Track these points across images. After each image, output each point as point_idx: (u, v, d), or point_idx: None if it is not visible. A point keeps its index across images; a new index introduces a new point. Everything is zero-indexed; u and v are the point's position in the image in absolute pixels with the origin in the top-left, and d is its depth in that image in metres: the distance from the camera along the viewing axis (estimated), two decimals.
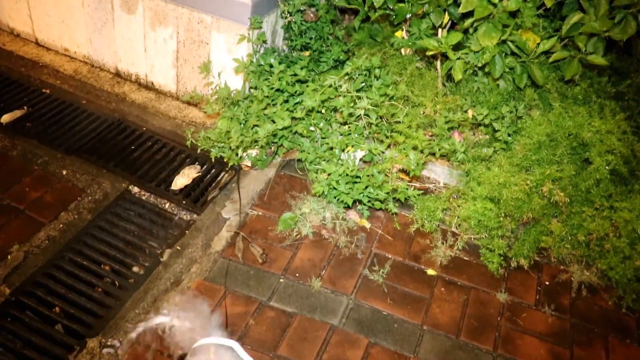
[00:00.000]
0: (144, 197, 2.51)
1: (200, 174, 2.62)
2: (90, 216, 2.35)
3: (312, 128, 2.58)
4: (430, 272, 2.30)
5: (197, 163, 2.68)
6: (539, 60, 2.48)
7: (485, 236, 2.37)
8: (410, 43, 2.70)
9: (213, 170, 2.67)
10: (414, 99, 2.57)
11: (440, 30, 2.62)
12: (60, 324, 1.98)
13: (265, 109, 2.56)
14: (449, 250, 2.37)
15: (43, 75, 3.06)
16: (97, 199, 2.42)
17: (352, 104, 2.47)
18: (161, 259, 2.25)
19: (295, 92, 2.58)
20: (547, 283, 2.32)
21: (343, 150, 2.51)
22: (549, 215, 2.36)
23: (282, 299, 2.12)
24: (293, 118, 2.52)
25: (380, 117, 2.53)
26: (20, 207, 2.33)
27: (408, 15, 2.63)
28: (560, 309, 2.22)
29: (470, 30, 2.46)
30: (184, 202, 2.48)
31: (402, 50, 2.82)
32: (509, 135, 2.45)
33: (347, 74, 2.50)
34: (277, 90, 2.55)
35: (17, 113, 2.78)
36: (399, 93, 2.54)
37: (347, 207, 2.47)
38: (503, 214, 2.32)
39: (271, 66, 2.59)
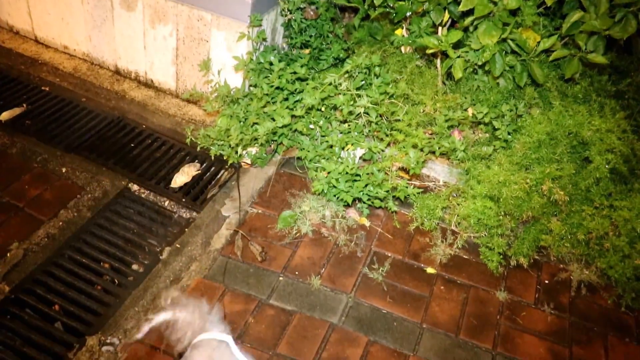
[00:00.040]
0: (143, 195, 2.51)
1: (199, 171, 2.62)
2: (90, 214, 2.35)
3: (311, 126, 2.58)
4: (430, 270, 2.30)
5: (196, 161, 2.68)
6: (539, 58, 2.47)
7: (485, 235, 2.37)
8: (410, 41, 2.70)
9: (213, 168, 2.66)
10: (414, 97, 2.56)
11: (440, 28, 2.61)
12: (59, 322, 1.98)
13: (265, 106, 2.56)
14: (448, 249, 2.37)
15: (42, 73, 3.05)
16: (97, 197, 2.42)
17: (352, 102, 2.46)
18: (161, 257, 2.25)
19: (295, 90, 2.57)
20: (546, 282, 2.32)
21: (343, 149, 2.51)
22: (549, 214, 2.36)
23: (281, 297, 2.12)
24: (293, 116, 2.52)
25: (380, 116, 2.53)
26: (20, 204, 2.33)
27: (408, 13, 2.63)
28: (559, 308, 2.23)
29: (471, 29, 2.46)
30: (183, 200, 2.48)
31: (402, 49, 2.82)
32: (508, 133, 2.45)
33: (347, 72, 2.50)
34: (277, 88, 2.55)
35: (16, 110, 2.78)
36: (399, 91, 2.54)
37: (347, 206, 2.47)
38: (503, 213, 2.32)
39: (271, 64, 2.58)
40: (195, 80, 2.89)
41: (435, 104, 2.52)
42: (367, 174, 2.39)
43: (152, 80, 3.04)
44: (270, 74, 2.56)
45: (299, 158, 2.64)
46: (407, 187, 2.38)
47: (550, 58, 2.45)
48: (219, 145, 2.55)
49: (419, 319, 2.12)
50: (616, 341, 2.14)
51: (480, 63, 2.41)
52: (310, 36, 2.80)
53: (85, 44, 3.10)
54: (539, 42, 2.42)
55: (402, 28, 2.79)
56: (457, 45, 2.43)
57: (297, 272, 2.22)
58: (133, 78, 3.09)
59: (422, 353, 2.00)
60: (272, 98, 2.57)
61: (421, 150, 2.41)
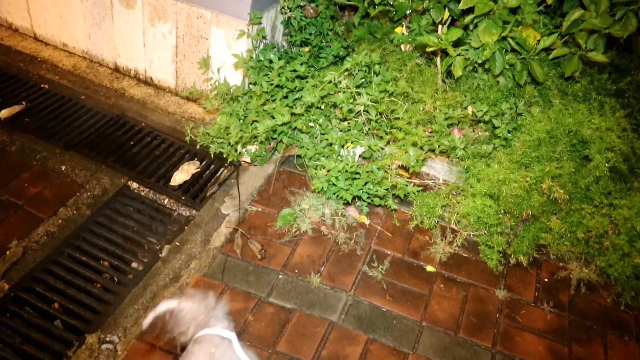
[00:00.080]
0: (142, 193, 2.50)
1: (199, 169, 2.62)
2: (89, 212, 2.35)
3: (311, 124, 2.58)
4: (430, 268, 2.30)
5: (196, 159, 2.68)
6: (539, 57, 2.47)
7: (485, 233, 2.37)
8: (410, 39, 2.70)
9: (212, 166, 2.66)
10: (413, 95, 2.56)
11: (440, 26, 2.61)
12: (59, 320, 1.98)
13: (264, 104, 2.55)
14: (448, 247, 2.37)
15: (42, 71, 3.05)
16: (96, 195, 2.42)
17: (351, 100, 2.46)
18: (160, 255, 2.25)
19: (295, 88, 2.57)
20: (546, 280, 2.32)
21: (342, 147, 2.50)
22: (549, 213, 2.36)
23: (281, 295, 2.12)
24: (292, 114, 2.52)
25: (380, 114, 2.53)
26: (19, 202, 2.33)
27: (408, 12, 2.63)
28: (559, 306, 2.23)
29: (471, 27, 2.46)
30: (183, 197, 2.48)
31: (402, 47, 2.82)
32: (508, 132, 2.45)
33: (346, 70, 2.49)
34: (277, 86, 2.55)
35: (15, 108, 2.78)
36: (399, 89, 2.54)
37: (347, 204, 2.46)
38: (502, 211, 2.32)
39: (271, 62, 2.58)
40: (194, 78, 2.88)
41: (435, 102, 2.52)
42: (367, 172, 2.39)
43: (151, 78, 3.03)
44: (270, 71, 2.56)
45: (298, 156, 2.64)
46: (406, 185, 2.38)
47: (551, 56, 2.45)
48: (218, 143, 2.55)
49: (418, 317, 2.12)
50: (615, 340, 2.14)
51: (480, 61, 2.41)
52: (310, 34, 2.79)
53: (85, 41, 3.10)
54: (539, 41, 2.42)
55: (402, 26, 2.79)
56: (457, 44, 2.43)
57: (296, 270, 2.22)
58: (132, 76, 3.08)
59: (421, 351, 2.01)
60: (271, 96, 2.56)
61: (421, 148, 2.41)
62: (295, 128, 2.59)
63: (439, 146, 2.42)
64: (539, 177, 2.27)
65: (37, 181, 2.43)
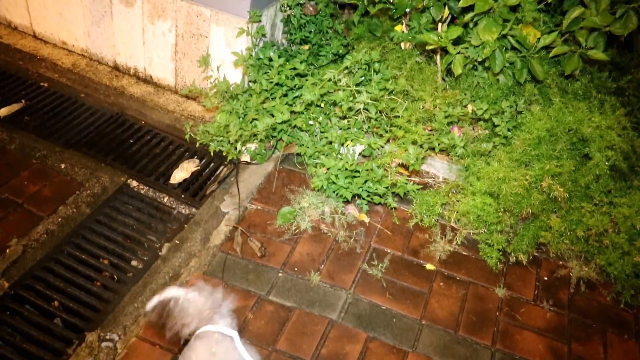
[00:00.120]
0: (142, 191, 2.50)
1: (199, 167, 2.62)
2: (89, 210, 2.34)
3: (311, 122, 2.58)
4: (429, 266, 2.30)
5: (195, 157, 2.68)
6: (539, 55, 2.47)
7: (484, 231, 2.37)
8: (409, 37, 2.69)
9: (212, 164, 2.66)
10: (413, 93, 2.56)
11: (440, 24, 2.61)
12: (59, 318, 1.98)
13: (264, 102, 2.55)
14: (447, 245, 2.37)
15: (41, 69, 3.04)
16: (96, 193, 2.42)
17: (351, 98, 2.46)
18: (160, 253, 2.25)
19: (295, 86, 2.57)
20: (545, 278, 2.32)
21: (342, 145, 2.50)
22: (548, 211, 2.36)
23: (281, 293, 2.12)
24: (292, 112, 2.52)
25: (380, 112, 2.52)
26: (19, 200, 2.33)
27: (408, 10, 2.62)
28: (558, 305, 2.23)
29: (471, 25, 2.45)
30: (182, 196, 2.48)
31: (402, 45, 2.81)
32: (508, 130, 2.45)
33: (346, 68, 2.49)
34: (276, 84, 2.55)
35: (15, 106, 2.77)
36: (399, 87, 2.53)
37: (346, 202, 2.46)
38: (502, 209, 2.32)
39: (270, 60, 2.58)
40: (194, 76, 2.88)
41: (434, 100, 2.52)
42: (367, 170, 2.39)
43: (151, 76, 3.03)
44: (270, 69, 2.56)
45: (298, 154, 2.64)
46: (406, 184, 2.38)
47: (551, 54, 2.44)
48: (218, 141, 2.55)
49: (418, 315, 2.12)
50: (615, 338, 2.14)
51: (480, 59, 2.40)
52: (310, 32, 2.79)
53: (84, 39, 3.09)
54: (539, 39, 2.42)
55: (402, 24, 2.78)
56: (457, 42, 2.43)
57: (296, 268, 2.22)
58: (132, 74, 3.08)
59: (421, 349, 2.01)
60: (271, 94, 2.56)
61: (421, 146, 2.41)
62: (295, 126, 2.59)
63: (438, 144, 2.42)
64: (539, 176, 2.27)
65: (37, 179, 2.42)
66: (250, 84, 2.67)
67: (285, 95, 2.57)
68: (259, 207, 2.45)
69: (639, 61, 2.72)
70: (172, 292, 1.44)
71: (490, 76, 2.58)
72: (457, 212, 2.41)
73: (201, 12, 2.65)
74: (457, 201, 2.41)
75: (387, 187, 2.37)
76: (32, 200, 2.34)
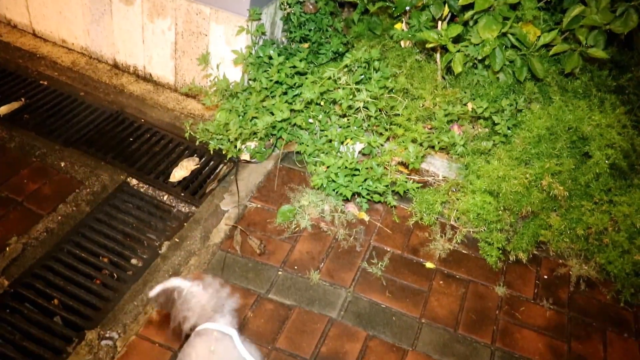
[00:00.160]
0: (142, 190, 2.50)
1: (198, 166, 2.62)
2: (89, 208, 2.34)
3: (311, 120, 2.58)
4: (429, 265, 2.30)
5: (195, 155, 2.68)
6: (539, 53, 2.46)
7: (484, 229, 2.37)
8: (409, 35, 2.69)
9: (211, 163, 2.66)
10: (413, 91, 2.56)
11: (440, 22, 2.60)
12: (58, 316, 1.98)
13: (264, 101, 2.55)
14: (447, 244, 2.37)
15: (41, 67, 3.04)
16: (96, 191, 2.42)
17: (351, 97, 2.46)
18: (159, 252, 2.25)
19: (294, 84, 2.57)
20: (545, 277, 2.32)
21: (342, 143, 2.50)
22: (548, 209, 2.35)
23: (280, 292, 2.12)
24: (292, 110, 2.51)
25: (380, 110, 2.52)
26: (19, 199, 2.33)
27: (407, 8, 2.62)
28: (558, 303, 2.23)
29: (471, 23, 2.45)
30: (182, 194, 2.48)
31: (402, 43, 2.81)
32: (508, 128, 2.45)
33: (346, 66, 2.49)
34: (276, 82, 2.54)
35: (14, 105, 2.77)
36: (399, 86, 2.53)
37: (346, 200, 2.46)
38: (502, 208, 2.32)
39: (270, 58, 2.58)
40: (194, 74, 2.88)
41: (434, 98, 2.52)
42: (366, 168, 2.39)
43: (150, 75, 3.03)
44: (270, 68, 2.55)
45: (298, 152, 2.63)
46: (406, 182, 2.38)
47: (551, 52, 2.44)
48: (217, 139, 2.55)
49: (417, 313, 2.12)
50: (615, 336, 2.14)
51: (480, 57, 2.40)
52: (310, 30, 2.79)
53: (84, 37, 3.09)
54: (539, 37, 2.41)
55: (402, 22, 2.78)
56: (456, 40, 2.42)
57: (296, 267, 2.22)
58: (132, 72, 3.08)
59: (421, 348, 2.01)
60: (271, 92, 2.56)
61: (420, 144, 2.41)
62: (295, 124, 2.59)
63: (438, 142, 2.42)
64: (539, 174, 2.27)
65: (37, 178, 2.42)
66: (250, 82, 2.67)
67: (285, 93, 2.57)
68: (258, 206, 2.45)
69: (639, 59, 2.72)
70: (176, 282, 1.42)
71: (490, 74, 2.58)
72: (457, 210, 2.41)
73: (201, 10, 2.65)
74: (457, 199, 2.41)
75: (386, 186, 2.37)
76: (32, 198, 2.34)
